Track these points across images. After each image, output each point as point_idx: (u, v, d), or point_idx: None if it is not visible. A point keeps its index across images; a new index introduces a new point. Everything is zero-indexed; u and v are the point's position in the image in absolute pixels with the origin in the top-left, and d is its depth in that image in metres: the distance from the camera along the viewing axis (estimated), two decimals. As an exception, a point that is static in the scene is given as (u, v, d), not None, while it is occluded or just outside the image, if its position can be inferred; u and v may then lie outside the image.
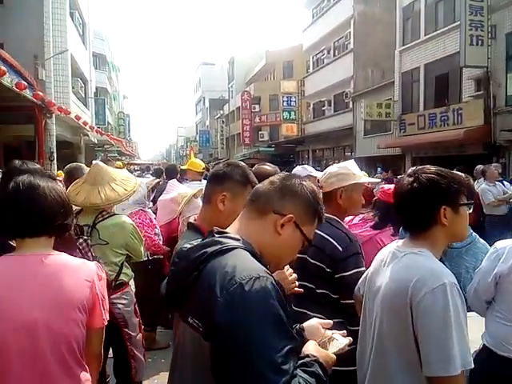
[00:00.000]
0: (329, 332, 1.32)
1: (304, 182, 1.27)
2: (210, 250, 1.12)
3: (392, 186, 2.93)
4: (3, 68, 9.83)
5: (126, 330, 2.79)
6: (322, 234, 1.96)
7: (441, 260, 1.49)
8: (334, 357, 1.20)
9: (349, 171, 2.24)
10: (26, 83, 11.45)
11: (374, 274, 1.59)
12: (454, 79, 14.61)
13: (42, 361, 1.42)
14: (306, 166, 4.58)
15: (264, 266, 1.11)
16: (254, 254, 1.13)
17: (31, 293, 1.42)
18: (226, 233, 1.20)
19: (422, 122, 15.76)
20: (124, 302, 2.80)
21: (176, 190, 4.19)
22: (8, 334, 1.38)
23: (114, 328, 2.71)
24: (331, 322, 1.38)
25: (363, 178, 2.29)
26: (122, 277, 2.82)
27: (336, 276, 1.96)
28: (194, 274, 1.10)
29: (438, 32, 15.22)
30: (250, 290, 1.00)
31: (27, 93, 11.76)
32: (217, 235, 1.19)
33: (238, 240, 1.15)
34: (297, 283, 1.69)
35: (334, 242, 1.98)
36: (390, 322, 1.43)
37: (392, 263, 1.49)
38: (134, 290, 3.18)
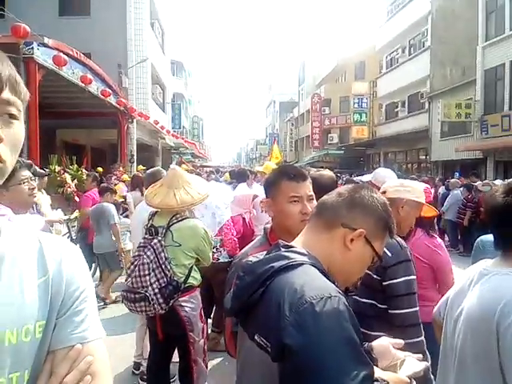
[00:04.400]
0: (400, 353, 1.23)
1: (374, 194, 1.20)
2: (276, 264, 1.07)
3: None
4: (90, 77, 10.69)
5: (192, 334, 2.83)
6: None
7: None
8: (408, 380, 1.11)
9: (418, 189, 2.22)
10: (110, 91, 12.37)
11: (458, 295, 1.49)
12: (544, 76, 13.45)
13: None
14: (381, 170, 4.24)
15: (332, 282, 1.06)
16: (321, 270, 1.08)
17: None
18: (292, 246, 1.15)
19: (506, 122, 14.64)
20: (191, 305, 2.85)
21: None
22: None
23: (179, 330, 2.80)
24: (402, 341, 1.29)
25: (424, 201, 2.25)
26: (191, 280, 2.87)
27: (384, 283, 1.86)
28: (260, 290, 1.06)
29: (527, 26, 14.10)
30: (321, 310, 0.94)
31: (111, 99, 12.68)
32: (283, 249, 1.14)
33: (304, 255, 1.10)
34: None
35: (384, 248, 1.90)
36: (473, 347, 1.32)
37: (478, 284, 1.38)
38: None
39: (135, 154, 16.32)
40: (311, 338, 0.93)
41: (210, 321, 4.49)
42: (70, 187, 8.61)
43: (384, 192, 2.14)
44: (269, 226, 1.82)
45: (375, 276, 1.85)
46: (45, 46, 8.71)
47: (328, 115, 34.30)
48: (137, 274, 2.69)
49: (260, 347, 1.04)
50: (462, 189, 9.71)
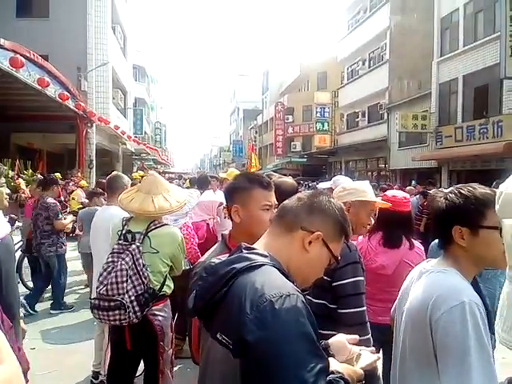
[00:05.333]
0: (356, 348, 1.29)
1: (332, 200, 1.26)
2: (238, 266, 1.11)
3: (396, 192, 2.90)
4: (47, 79, 10.36)
5: (162, 343, 2.76)
6: None
7: (475, 280, 1.46)
8: (361, 372, 1.19)
9: (360, 188, 2.30)
10: (68, 94, 12.02)
11: (404, 292, 1.58)
12: (493, 91, 14.19)
13: None
14: (340, 177, 4.37)
15: (291, 282, 1.11)
16: (281, 271, 1.13)
17: None
18: (254, 249, 1.20)
19: (459, 134, 15.37)
20: (164, 314, 2.78)
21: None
22: None
23: (150, 340, 2.72)
24: (357, 337, 1.35)
25: (374, 198, 2.33)
26: (165, 288, 2.81)
27: (333, 284, 1.95)
28: (223, 290, 1.10)
29: (478, 43, 14.88)
30: (280, 308, 1.00)
31: (69, 103, 12.32)
32: (245, 251, 1.18)
33: (265, 256, 1.15)
34: None
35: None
36: (411, 340, 1.40)
37: (417, 281, 1.48)
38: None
39: (94, 159, 15.91)
40: (271, 334, 0.98)
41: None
42: (24, 193, 8.27)
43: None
44: (226, 232, 1.82)
45: (325, 277, 1.92)
46: (1, 47, 8.39)
47: (291, 123, 34.78)
48: (113, 280, 2.55)
49: (222, 345, 1.07)
50: (418, 196, 10.05)
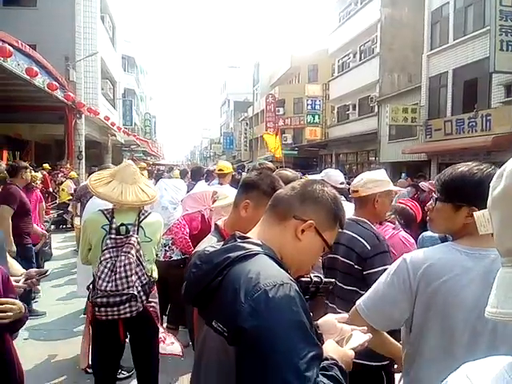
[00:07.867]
0: (347, 327, 1.28)
1: (325, 188, 1.27)
2: (233, 255, 1.13)
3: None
4: (36, 69, 10.20)
5: (159, 325, 2.88)
6: (352, 233, 2.19)
7: None
8: (352, 353, 1.19)
9: (385, 178, 2.43)
10: (57, 84, 11.85)
11: None
12: (483, 85, 14.31)
13: None
14: (331, 170, 4.21)
15: (285, 270, 1.12)
16: (275, 260, 1.14)
17: None
18: (248, 238, 1.21)
19: (449, 127, 15.49)
20: (156, 300, 2.86)
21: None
22: None
23: (148, 326, 2.79)
24: (347, 315, 1.36)
25: (393, 185, 2.48)
26: (154, 274, 2.87)
27: (364, 273, 2.10)
28: (218, 278, 1.11)
29: (467, 37, 14.96)
30: (274, 296, 1.02)
31: (58, 93, 12.16)
32: (239, 240, 1.20)
33: (259, 245, 1.16)
34: None
35: (363, 241, 2.14)
36: None
37: None
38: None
39: (83, 150, 15.76)
40: (264, 322, 1.00)
41: (165, 317, 4.45)
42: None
43: (356, 191, 2.34)
44: (220, 222, 1.82)
45: (356, 266, 2.14)
46: (-14, 35, 8.23)
47: (282, 116, 34.69)
48: (122, 275, 2.54)
49: (217, 332, 1.09)
50: (409, 188, 10.14)
